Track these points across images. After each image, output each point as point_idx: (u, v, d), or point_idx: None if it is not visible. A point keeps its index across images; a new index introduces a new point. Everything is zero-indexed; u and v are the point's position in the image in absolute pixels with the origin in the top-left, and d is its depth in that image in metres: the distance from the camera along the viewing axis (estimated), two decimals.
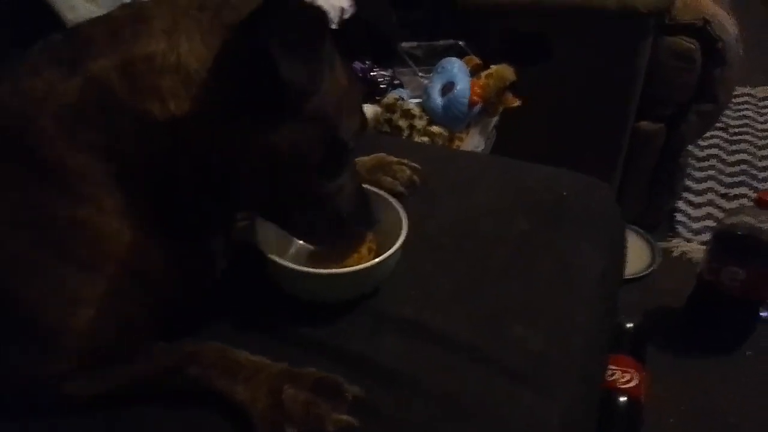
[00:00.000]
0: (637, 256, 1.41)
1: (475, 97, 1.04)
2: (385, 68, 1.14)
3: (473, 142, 1.10)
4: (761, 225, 1.11)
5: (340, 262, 0.62)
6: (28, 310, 0.52)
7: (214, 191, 0.54)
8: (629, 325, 1.15)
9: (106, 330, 0.53)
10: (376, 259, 0.61)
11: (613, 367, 1.07)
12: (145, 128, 0.50)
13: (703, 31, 1.22)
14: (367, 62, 1.12)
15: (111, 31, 0.51)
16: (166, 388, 0.54)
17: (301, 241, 0.68)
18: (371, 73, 1.11)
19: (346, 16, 1.09)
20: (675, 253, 1.44)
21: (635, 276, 1.35)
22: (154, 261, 0.54)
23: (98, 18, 0.54)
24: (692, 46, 1.23)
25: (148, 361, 0.55)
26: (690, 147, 1.50)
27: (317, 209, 0.58)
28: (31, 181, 0.51)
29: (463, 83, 1.04)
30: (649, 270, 1.38)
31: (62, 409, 0.54)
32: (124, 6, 0.54)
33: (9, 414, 0.53)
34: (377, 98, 1.08)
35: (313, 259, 0.65)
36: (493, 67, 1.08)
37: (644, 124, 1.34)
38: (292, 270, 0.60)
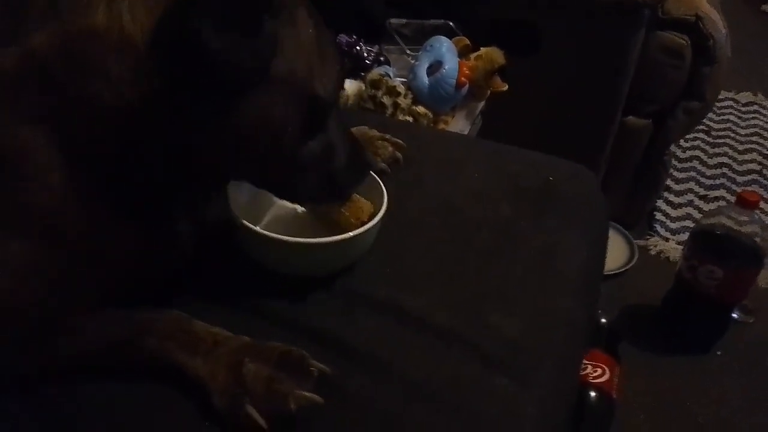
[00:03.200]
0: (615, 253, 1.40)
1: (462, 79, 1.00)
2: (371, 44, 1.10)
3: (458, 125, 1.07)
4: (740, 226, 1.11)
5: (319, 230, 0.59)
6: None
7: (178, 172, 0.50)
8: (604, 321, 1.15)
9: (48, 302, 0.50)
10: (354, 231, 0.58)
11: (585, 362, 1.06)
12: (93, 109, 0.45)
13: (694, 28, 1.21)
14: (353, 36, 1.08)
15: None
16: (120, 360, 0.51)
17: (274, 209, 0.65)
18: (356, 48, 1.07)
19: None
20: (652, 252, 1.44)
21: (612, 272, 1.35)
22: (103, 237, 0.50)
23: None
24: (683, 42, 1.22)
25: (100, 329, 0.51)
26: (672, 147, 1.50)
27: (308, 171, 0.54)
28: None
29: (451, 63, 1.01)
30: (627, 267, 1.38)
31: (12, 382, 0.50)
32: None
33: None
34: (362, 74, 1.04)
35: (288, 227, 0.62)
36: (483, 50, 1.05)
37: (631, 120, 1.32)
38: (265, 237, 0.56)
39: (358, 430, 0.49)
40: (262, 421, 0.47)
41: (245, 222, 0.57)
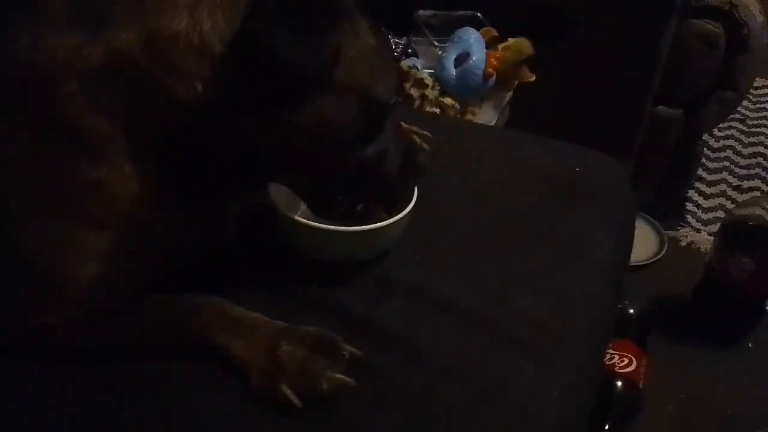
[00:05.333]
0: (645, 243, 1.39)
1: (490, 69, 1.01)
2: (399, 36, 1.11)
3: (486, 116, 1.08)
4: None
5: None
6: (39, 262, 0.52)
7: (245, 170, 0.53)
8: (632, 311, 1.15)
9: (112, 284, 0.53)
10: (389, 220, 0.60)
11: (613, 352, 1.06)
12: (170, 105, 0.49)
13: (728, 16, 1.19)
14: (381, 29, 1.09)
15: None
16: (165, 340, 0.54)
17: None
18: None
19: None
20: (683, 243, 1.43)
21: (642, 263, 1.34)
22: (166, 223, 0.54)
23: None
24: (717, 30, 1.20)
25: (147, 313, 0.55)
26: (705, 137, 1.47)
27: (363, 176, 0.56)
28: (51, 139, 0.50)
29: (478, 54, 1.01)
30: (657, 258, 1.37)
31: (65, 357, 0.54)
32: None
33: (9, 361, 0.53)
34: None
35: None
36: (511, 40, 1.06)
37: (662, 110, 1.31)
38: (301, 224, 0.59)
39: (388, 409, 0.51)
40: (296, 400, 0.49)
41: (284, 211, 0.60)
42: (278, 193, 0.62)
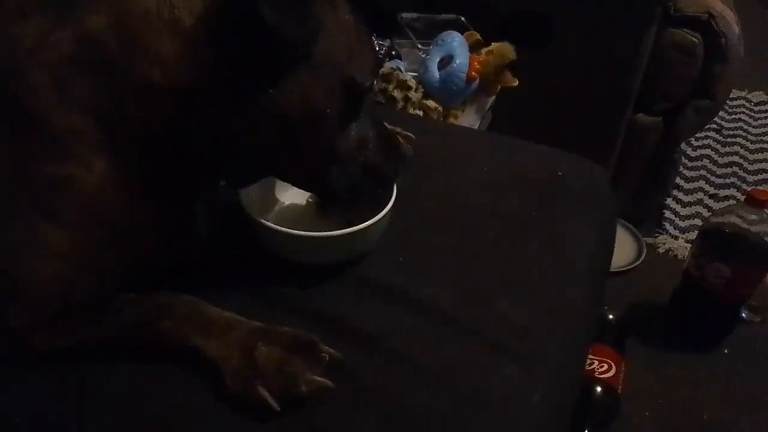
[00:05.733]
0: (623, 250, 1.40)
1: (473, 73, 1.01)
2: (383, 38, 1.11)
3: (469, 120, 1.08)
4: (749, 225, 1.11)
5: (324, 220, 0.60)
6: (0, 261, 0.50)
7: (224, 158, 0.51)
8: (611, 317, 1.15)
9: (75, 285, 0.51)
10: (363, 224, 0.59)
11: (592, 357, 1.06)
12: (145, 93, 0.47)
13: (707, 26, 1.21)
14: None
15: None
16: (136, 341, 0.53)
17: (285, 200, 0.66)
18: None
19: None
20: (661, 250, 1.44)
21: (621, 269, 1.35)
22: (136, 222, 0.52)
23: None
24: (695, 39, 1.22)
25: (118, 313, 0.53)
26: (683, 146, 1.49)
27: (344, 162, 0.55)
28: (15, 133, 0.48)
29: (462, 58, 1.01)
30: (635, 264, 1.38)
31: (26, 359, 0.52)
32: None
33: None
34: None
35: (296, 218, 0.63)
36: (494, 45, 1.06)
37: (641, 117, 1.32)
38: (274, 230, 0.58)
39: (368, 412, 0.50)
40: (273, 402, 0.48)
41: (256, 217, 0.58)
42: (251, 195, 0.61)
